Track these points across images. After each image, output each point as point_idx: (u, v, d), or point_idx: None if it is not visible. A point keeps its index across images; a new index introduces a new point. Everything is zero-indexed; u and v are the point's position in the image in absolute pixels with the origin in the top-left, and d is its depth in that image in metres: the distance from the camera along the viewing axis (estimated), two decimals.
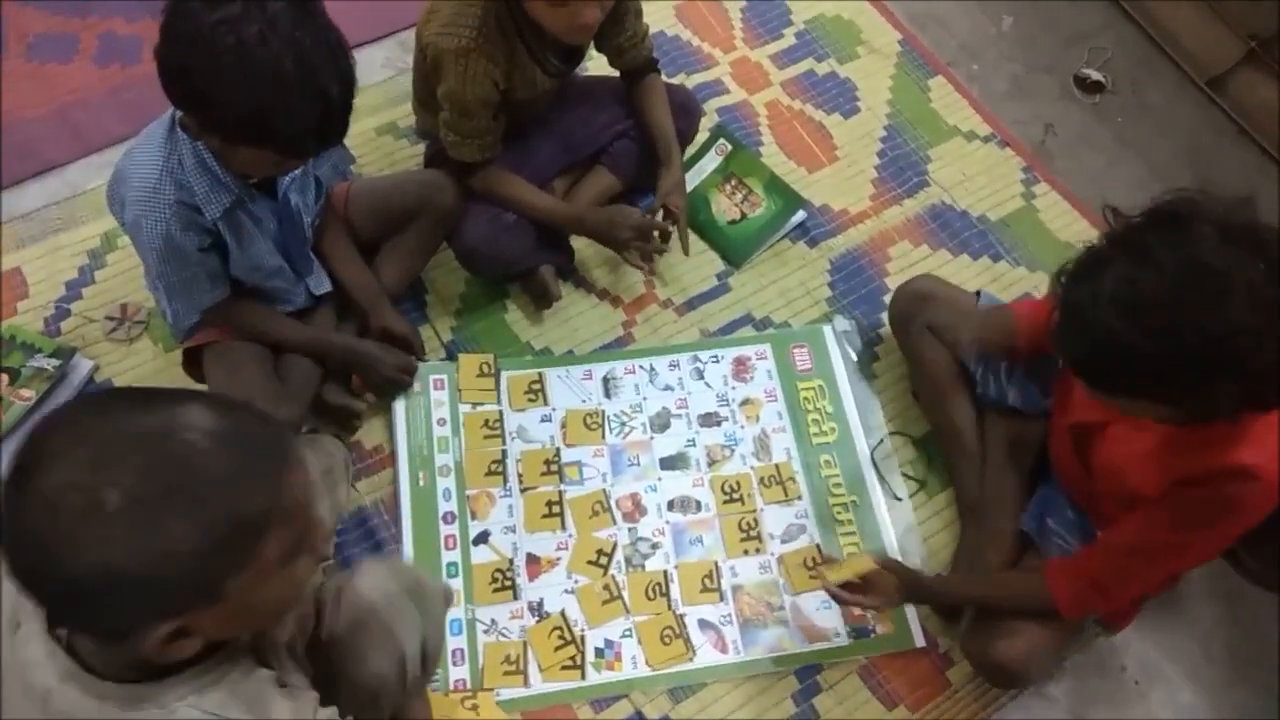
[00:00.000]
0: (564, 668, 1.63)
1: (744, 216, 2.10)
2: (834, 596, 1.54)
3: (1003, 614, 1.52)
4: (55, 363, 1.81)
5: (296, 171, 1.54)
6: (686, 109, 2.09)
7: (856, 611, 1.69)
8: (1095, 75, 2.38)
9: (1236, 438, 1.22)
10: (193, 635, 0.84)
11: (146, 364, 1.87)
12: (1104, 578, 1.40)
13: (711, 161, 2.15)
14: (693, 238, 2.09)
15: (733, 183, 2.12)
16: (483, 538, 1.75)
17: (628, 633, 1.67)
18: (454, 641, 1.65)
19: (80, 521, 0.76)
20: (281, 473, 0.85)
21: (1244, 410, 1.18)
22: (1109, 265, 1.13)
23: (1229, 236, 1.09)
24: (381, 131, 2.16)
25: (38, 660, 0.89)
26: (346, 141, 2.06)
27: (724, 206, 2.11)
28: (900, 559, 1.76)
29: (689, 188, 2.11)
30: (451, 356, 1.93)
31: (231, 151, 1.39)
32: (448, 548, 1.73)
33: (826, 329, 2.00)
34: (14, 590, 0.84)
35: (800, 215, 2.10)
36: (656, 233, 1.91)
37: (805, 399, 1.93)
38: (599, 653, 1.66)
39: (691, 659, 1.66)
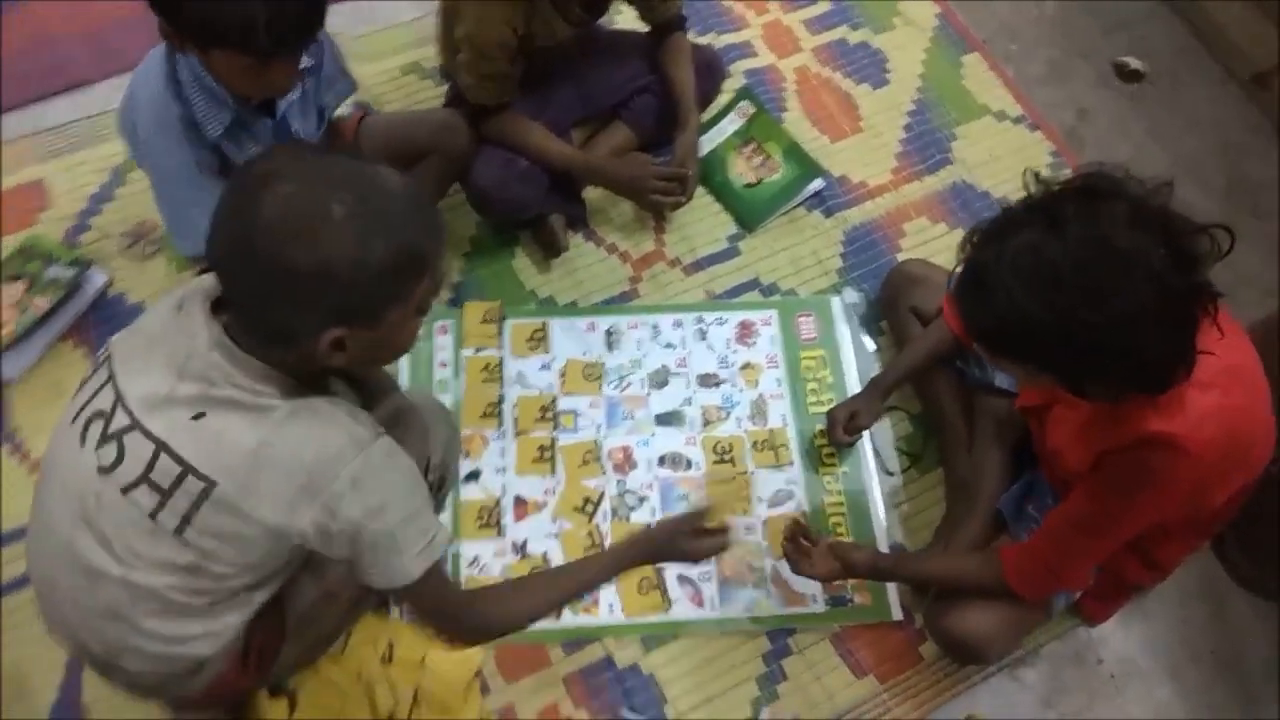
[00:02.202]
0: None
1: (760, 181, 2.09)
2: (790, 565, 1.58)
3: (956, 592, 1.52)
4: (71, 273, 1.86)
5: (295, 95, 1.55)
6: (711, 69, 2.08)
7: (835, 581, 1.69)
8: (1136, 64, 2.33)
9: (1155, 407, 1.21)
10: (346, 350, 1.05)
11: (159, 281, 1.91)
12: (1050, 556, 1.40)
13: (732, 123, 2.13)
14: (706, 199, 2.09)
15: (752, 146, 2.11)
16: (473, 476, 1.78)
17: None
18: None
19: (311, 221, 0.97)
20: (441, 232, 1.10)
21: (1132, 391, 1.19)
22: (1019, 230, 1.13)
23: (1140, 219, 1.09)
24: (406, 70, 2.18)
25: (191, 331, 1.07)
26: (369, 79, 2.09)
27: (741, 169, 2.10)
28: (885, 531, 1.76)
29: (709, 148, 2.11)
30: (457, 301, 1.94)
31: (208, 60, 1.42)
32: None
33: (835, 300, 1.99)
34: (183, 288, 1.11)
35: (818, 183, 2.09)
36: (677, 184, 1.92)
37: (807, 368, 1.92)
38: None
39: (667, 610, 1.68)
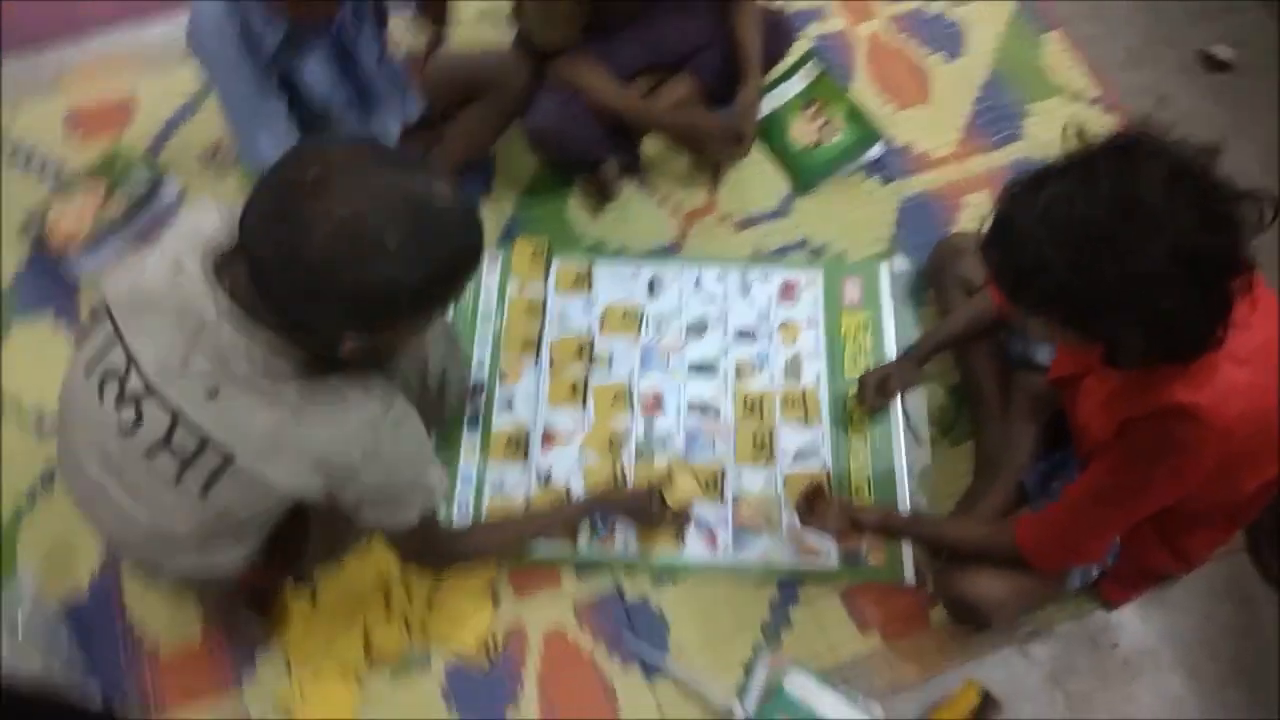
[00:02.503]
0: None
1: (819, 143, 2.08)
2: (799, 515, 1.59)
3: (970, 558, 1.50)
4: (149, 181, 1.97)
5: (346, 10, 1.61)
6: (778, 31, 2.08)
7: (845, 535, 1.70)
8: (1224, 54, 2.24)
9: (1183, 378, 1.18)
10: (367, 352, 1.08)
11: (231, 194, 2.01)
12: (1065, 526, 1.38)
13: (797, 84, 2.13)
14: (762, 158, 2.09)
15: (814, 108, 2.11)
16: (507, 405, 1.83)
17: None
18: (461, 492, 1.74)
19: (364, 249, 0.97)
20: (480, 250, 1.09)
21: (1159, 356, 1.17)
22: (1052, 183, 1.12)
23: (1176, 179, 1.06)
24: (486, 13, 2.23)
25: (198, 299, 1.07)
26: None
27: (801, 131, 2.10)
28: (908, 498, 1.76)
29: (771, 107, 2.12)
30: (509, 236, 1.99)
31: None
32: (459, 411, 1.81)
33: (883, 266, 1.98)
34: (178, 243, 1.11)
35: (877, 150, 2.07)
36: (734, 139, 1.93)
37: (848, 331, 1.92)
38: (593, 528, 1.71)
39: (680, 551, 1.70)
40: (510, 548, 1.61)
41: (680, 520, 1.69)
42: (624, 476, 1.76)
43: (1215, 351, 1.17)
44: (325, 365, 1.12)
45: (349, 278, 0.98)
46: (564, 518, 1.66)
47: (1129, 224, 1.06)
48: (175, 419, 1.12)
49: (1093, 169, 1.10)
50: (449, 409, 1.52)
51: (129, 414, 1.14)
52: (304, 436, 1.12)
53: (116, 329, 1.14)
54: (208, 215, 1.16)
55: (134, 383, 1.13)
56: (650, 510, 1.64)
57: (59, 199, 1.95)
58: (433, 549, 1.42)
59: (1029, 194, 1.14)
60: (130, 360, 1.13)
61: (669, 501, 1.64)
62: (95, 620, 1.63)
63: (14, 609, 1.53)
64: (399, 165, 1.02)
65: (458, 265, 1.06)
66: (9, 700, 1.41)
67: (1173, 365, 1.19)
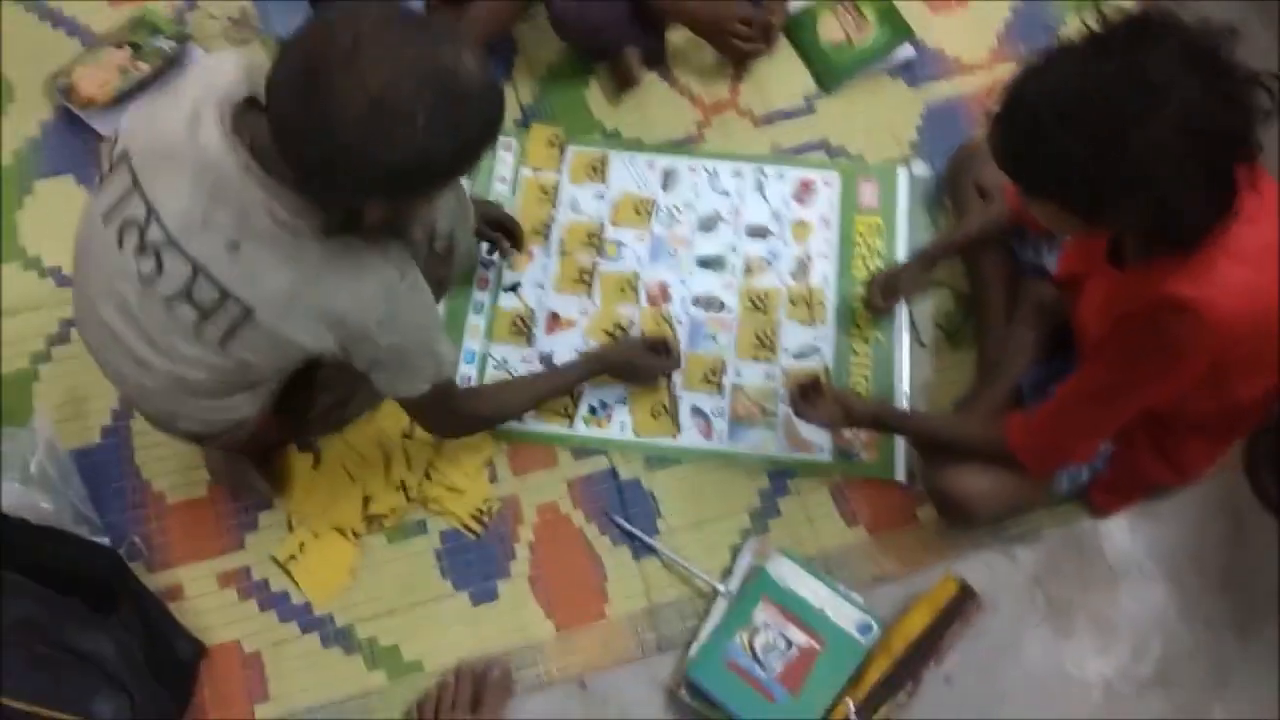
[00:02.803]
0: (555, 413, 1.73)
1: (849, 40, 2.04)
2: (792, 403, 1.59)
3: (959, 454, 1.51)
4: (173, 45, 1.98)
5: None
6: None
7: (846, 434, 1.71)
8: None
9: (1181, 271, 1.17)
10: (388, 219, 1.14)
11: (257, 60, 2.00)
12: (1055, 424, 1.39)
13: None
14: (789, 53, 2.06)
15: (846, 3, 2.06)
16: (513, 287, 1.84)
17: (622, 400, 1.75)
18: (465, 369, 1.76)
19: (394, 123, 0.98)
20: (501, 118, 1.09)
21: (1157, 241, 1.17)
22: (1064, 58, 1.10)
23: (1189, 57, 1.04)
24: None
25: (217, 150, 1.07)
26: None
27: (831, 27, 2.05)
28: (906, 400, 1.76)
29: (803, 2, 2.07)
30: (526, 122, 1.99)
31: None
32: (480, 287, 1.83)
33: (901, 170, 1.96)
34: (195, 92, 1.11)
35: (908, 51, 2.03)
36: (760, 32, 1.91)
37: (860, 234, 1.90)
38: (592, 410, 1.74)
39: (676, 437, 1.73)
40: (525, 405, 1.63)
41: (669, 360, 1.73)
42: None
43: (1215, 246, 1.16)
44: (345, 226, 1.14)
45: (378, 152, 1.00)
46: (574, 374, 1.67)
47: (1136, 96, 1.05)
48: (196, 271, 1.14)
49: (1104, 45, 1.09)
50: (456, 271, 1.54)
51: (149, 264, 1.16)
52: (321, 295, 1.15)
53: (135, 179, 1.15)
54: (225, 65, 1.15)
55: (154, 233, 1.15)
56: (650, 357, 1.70)
57: (84, 59, 1.96)
58: (451, 413, 1.45)
59: (1039, 71, 1.13)
60: (150, 211, 1.14)
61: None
62: (106, 469, 1.69)
63: (27, 452, 1.58)
64: (429, 35, 1.02)
65: (483, 137, 1.08)
66: (22, 534, 1.48)
67: (1172, 259, 1.18)
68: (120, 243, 1.18)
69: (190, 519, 1.66)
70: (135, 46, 1.96)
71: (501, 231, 1.80)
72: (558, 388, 1.67)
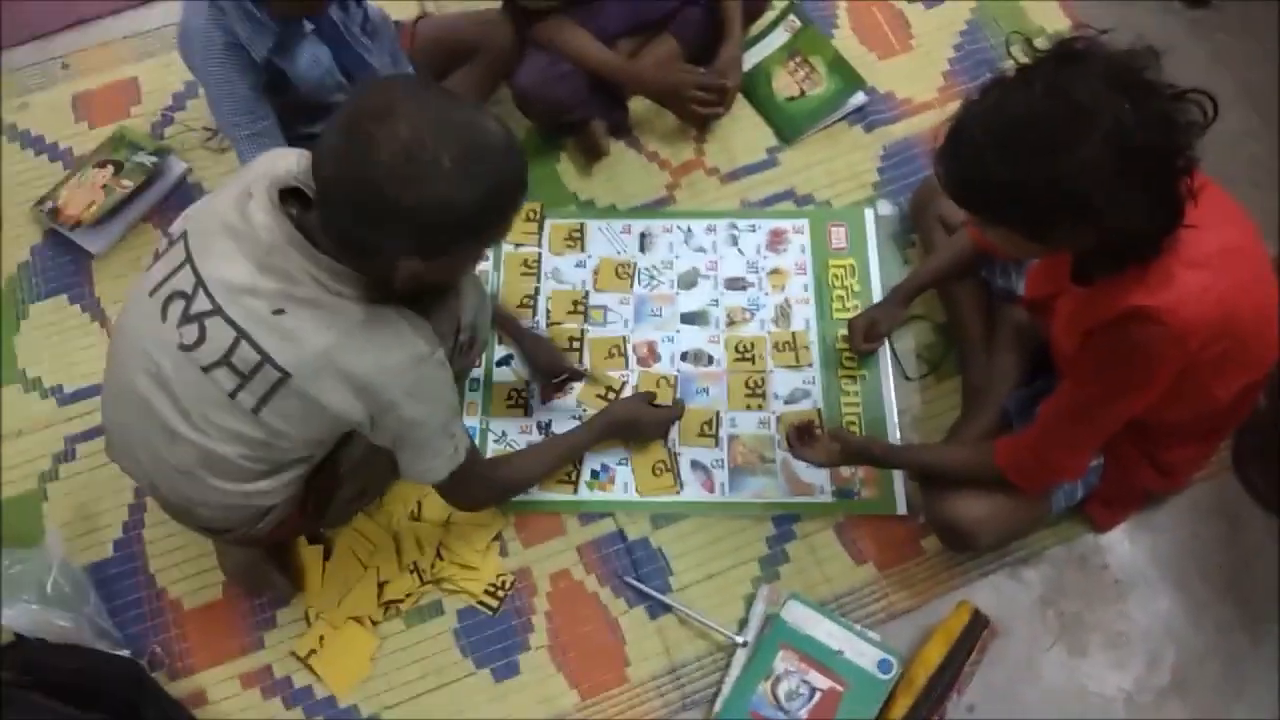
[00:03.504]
0: (559, 481, 1.76)
1: (803, 94, 2.12)
2: (788, 445, 1.64)
3: (954, 482, 1.55)
4: (154, 160, 2.03)
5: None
6: None
7: (845, 473, 1.75)
8: None
9: (1141, 284, 1.23)
10: (420, 279, 1.18)
11: (233, 171, 2.05)
12: (1041, 443, 1.43)
13: (779, 37, 2.17)
14: (748, 111, 2.13)
15: (797, 59, 2.14)
16: (506, 360, 1.89)
17: (623, 461, 1.78)
18: None
19: (422, 167, 1.07)
20: (525, 181, 1.19)
21: (1108, 262, 1.24)
22: (996, 89, 1.17)
23: (1114, 79, 1.10)
24: None
25: (266, 224, 1.17)
26: None
27: (784, 83, 2.14)
28: (898, 434, 1.80)
29: (755, 60, 2.16)
30: None
31: None
32: (475, 365, 1.87)
33: (868, 211, 2.02)
34: (251, 177, 1.22)
35: (860, 98, 2.11)
36: (716, 95, 1.98)
37: (835, 276, 1.96)
38: (594, 474, 1.77)
39: (678, 493, 1.76)
40: (544, 470, 1.68)
41: (671, 411, 1.79)
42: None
43: (1171, 256, 1.21)
44: (383, 296, 1.22)
45: (408, 194, 1.07)
46: (585, 436, 1.71)
47: (1063, 119, 1.11)
48: (239, 338, 1.20)
49: (1032, 74, 1.15)
50: (472, 366, 1.60)
51: (192, 331, 1.22)
52: (354, 358, 1.20)
53: (189, 254, 1.23)
54: (285, 157, 1.26)
55: (200, 303, 1.21)
56: (653, 411, 1.76)
57: (68, 182, 2.02)
58: (475, 485, 1.49)
59: (976, 104, 1.19)
60: (199, 281, 1.21)
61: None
62: (121, 581, 1.71)
63: (42, 573, 1.60)
64: (454, 100, 1.14)
65: (505, 192, 1.15)
66: (42, 652, 1.49)
67: (1131, 273, 1.24)
68: (164, 315, 1.24)
69: (208, 622, 1.67)
70: (117, 164, 2.02)
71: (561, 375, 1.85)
72: (573, 449, 1.71)
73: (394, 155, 1.06)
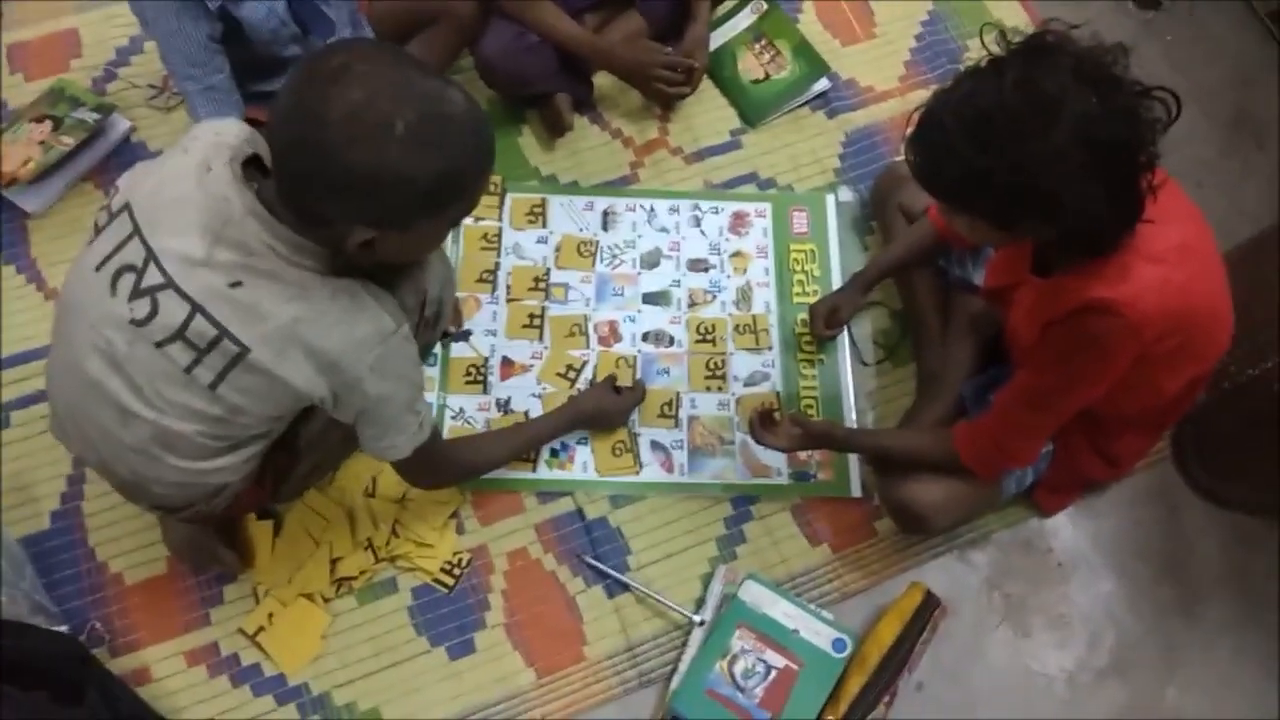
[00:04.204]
0: (518, 459, 1.74)
1: (768, 77, 2.12)
2: (750, 430, 1.65)
3: (910, 466, 1.58)
4: (96, 117, 1.94)
5: None
6: None
7: (802, 456, 1.77)
8: None
9: (1099, 277, 1.27)
10: (374, 248, 1.12)
11: (179, 131, 1.98)
12: (998, 431, 1.46)
13: (745, 19, 2.16)
14: (713, 92, 2.13)
15: (762, 42, 2.14)
16: (464, 336, 1.86)
17: (583, 440, 1.77)
18: None
19: (373, 129, 1.02)
20: (490, 159, 1.15)
21: (1067, 252, 1.28)
22: (967, 79, 1.20)
23: (1081, 72, 1.14)
24: None
25: (225, 196, 1.12)
26: None
27: (750, 65, 2.13)
28: (854, 417, 1.83)
29: (720, 42, 2.15)
30: None
31: None
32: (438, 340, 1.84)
33: (829, 197, 2.04)
34: (204, 147, 1.16)
35: (824, 84, 2.12)
36: (682, 75, 1.97)
37: (795, 260, 1.97)
38: (553, 453, 1.76)
39: (638, 473, 1.76)
40: (506, 457, 1.65)
41: (635, 393, 1.78)
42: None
43: (1129, 250, 1.25)
44: (346, 269, 1.17)
45: (356, 158, 1.02)
46: (550, 426, 1.70)
47: (1032, 109, 1.13)
48: (194, 311, 1.15)
49: (1003, 65, 1.18)
50: (436, 339, 1.56)
51: (144, 308, 1.17)
52: (318, 333, 1.16)
53: (136, 226, 1.17)
54: (232, 126, 1.21)
55: (152, 276, 1.16)
56: (618, 399, 1.74)
57: (3, 136, 1.91)
58: (435, 466, 1.47)
59: (947, 93, 1.22)
60: (150, 254, 1.16)
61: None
62: (59, 555, 1.64)
63: None
64: (416, 67, 1.07)
65: (464, 170, 1.09)
66: None
67: (1091, 266, 1.27)
68: (114, 290, 1.18)
69: (152, 598, 1.62)
70: (56, 120, 1.93)
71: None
72: (537, 437, 1.70)
73: (344, 117, 1.01)
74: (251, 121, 1.51)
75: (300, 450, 1.45)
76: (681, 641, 1.62)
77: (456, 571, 1.66)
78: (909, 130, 1.25)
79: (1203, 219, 1.39)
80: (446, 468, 1.52)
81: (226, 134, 1.19)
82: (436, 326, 1.46)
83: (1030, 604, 1.71)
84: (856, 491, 1.76)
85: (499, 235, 1.95)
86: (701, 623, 1.61)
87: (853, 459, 1.78)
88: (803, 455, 1.77)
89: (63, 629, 1.55)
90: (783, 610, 1.60)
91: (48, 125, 1.92)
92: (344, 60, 1.03)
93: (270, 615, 1.61)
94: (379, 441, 1.32)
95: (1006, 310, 1.54)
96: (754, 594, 1.61)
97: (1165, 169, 1.27)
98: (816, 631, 1.58)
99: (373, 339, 1.20)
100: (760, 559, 1.70)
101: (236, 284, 1.14)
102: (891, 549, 1.72)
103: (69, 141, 1.90)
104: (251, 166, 1.17)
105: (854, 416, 1.83)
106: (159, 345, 1.18)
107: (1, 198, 1.89)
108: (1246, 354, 1.73)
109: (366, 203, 1.07)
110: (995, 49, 1.21)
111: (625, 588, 1.66)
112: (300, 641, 1.60)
